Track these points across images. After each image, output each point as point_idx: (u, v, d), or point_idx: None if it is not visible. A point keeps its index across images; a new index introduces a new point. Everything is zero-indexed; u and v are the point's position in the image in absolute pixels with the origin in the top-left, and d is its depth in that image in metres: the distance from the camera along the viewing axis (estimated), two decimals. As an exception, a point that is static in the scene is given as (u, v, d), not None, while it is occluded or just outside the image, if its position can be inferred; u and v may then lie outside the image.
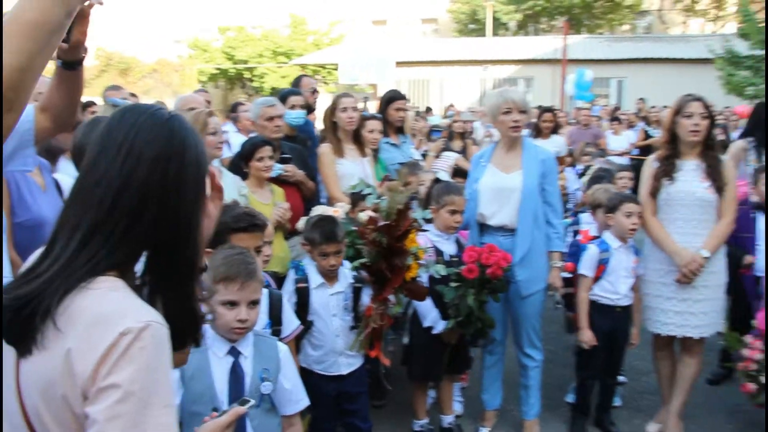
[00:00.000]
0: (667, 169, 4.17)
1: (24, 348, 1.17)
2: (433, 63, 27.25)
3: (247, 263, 2.46)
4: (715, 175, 4.08)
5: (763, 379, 3.97)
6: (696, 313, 4.14)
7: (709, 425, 4.56)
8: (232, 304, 2.44)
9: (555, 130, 8.70)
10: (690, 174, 4.13)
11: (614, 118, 13.22)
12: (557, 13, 34.29)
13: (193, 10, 36.72)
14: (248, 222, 2.88)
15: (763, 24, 17.48)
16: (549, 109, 8.88)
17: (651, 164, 4.30)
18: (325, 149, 4.92)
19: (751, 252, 4.90)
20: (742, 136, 6.04)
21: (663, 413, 4.38)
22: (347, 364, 3.59)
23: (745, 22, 18.30)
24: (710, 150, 4.16)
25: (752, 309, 4.68)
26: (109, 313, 1.15)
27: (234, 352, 2.48)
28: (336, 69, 21.57)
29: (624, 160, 11.87)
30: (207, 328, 2.47)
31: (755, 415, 4.51)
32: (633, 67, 24.97)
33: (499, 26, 34.21)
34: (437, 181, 4.39)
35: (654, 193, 4.21)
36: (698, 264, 4.03)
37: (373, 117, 5.29)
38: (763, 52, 17.21)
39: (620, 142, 12.52)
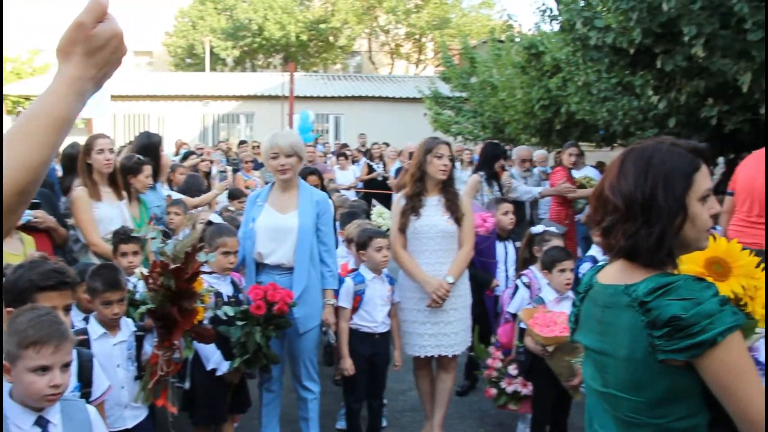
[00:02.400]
0: (415, 206, 4.61)
1: None
2: (152, 97, 26.45)
3: (57, 324, 2.32)
4: (453, 208, 4.60)
5: (503, 384, 4.56)
6: (448, 333, 4.61)
7: (463, 431, 5.07)
8: (44, 369, 2.28)
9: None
10: (433, 209, 4.60)
11: (340, 154, 13.96)
12: (274, 50, 35.24)
13: None
14: (57, 280, 2.70)
15: (461, 69, 19.61)
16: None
17: (399, 202, 4.71)
18: (80, 193, 4.69)
19: (495, 276, 5.57)
20: (476, 171, 6.83)
21: (427, 427, 4.78)
22: (133, 416, 3.47)
23: (446, 66, 20.37)
24: (450, 186, 4.68)
25: (492, 325, 5.33)
26: None
27: (42, 422, 2.32)
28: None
29: (351, 194, 12.61)
30: (6, 399, 2.29)
31: (501, 418, 5.13)
32: (349, 105, 26.48)
33: (216, 61, 34.22)
34: (209, 223, 4.41)
35: (403, 228, 4.62)
36: (445, 290, 4.50)
37: (148, 162, 5.20)
38: (462, 94, 19.32)
39: (347, 176, 13.25)
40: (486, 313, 5.41)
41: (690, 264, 1.88)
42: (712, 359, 1.61)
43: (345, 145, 16.90)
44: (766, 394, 1.60)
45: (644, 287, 1.70)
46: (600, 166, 11.68)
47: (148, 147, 5.90)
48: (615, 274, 1.83)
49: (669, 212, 1.72)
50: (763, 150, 5.36)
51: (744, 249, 1.89)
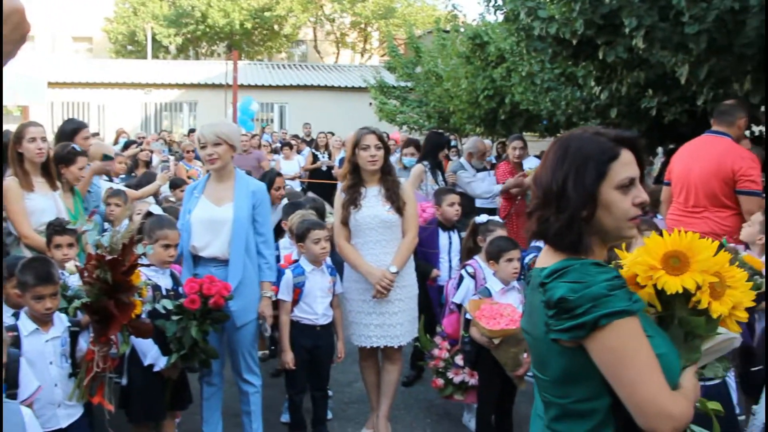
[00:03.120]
0: (353, 198, 4.56)
1: None
2: (92, 85, 25.77)
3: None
4: (394, 197, 4.56)
5: (450, 375, 4.56)
6: (394, 324, 4.58)
7: (410, 422, 5.06)
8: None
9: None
10: (373, 199, 4.56)
11: (285, 144, 13.82)
12: (217, 38, 34.68)
13: None
14: None
15: (407, 59, 19.60)
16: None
17: (339, 195, 4.67)
18: (10, 183, 4.51)
19: (437, 266, 5.56)
20: (420, 160, 6.80)
21: (373, 418, 4.75)
22: (67, 415, 3.35)
23: (392, 56, 20.34)
24: (388, 175, 4.64)
25: (437, 315, 5.33)
26: None
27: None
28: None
29: (296, 184, 12.50)
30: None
31: (448, 408, 5.14)
32: (294, 94, 26.25)
33: (159, 49, 33.52)
34: (149, 214, 4.28)
35: (345, 221, 4.58)
36: (389, 280, 4.46)
37: (84, 153, 5.02)
38: (407, 84, 19.32)
39: (292, 166, 13.13)
40: (430, 303, 5.40)
41: (647, 256, 1.84)
42: (597, 342, 1.65)
43: (295, 136, 16.76)
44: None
45: (549, 269, 1.76)
46: (543, 156, 11.80)
47: (63, 134, 5.70)
48: (542, 258, 1.89)
49: (577, 201, 1.76)
50: (697, 140, 5.45)
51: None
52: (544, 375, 1.83)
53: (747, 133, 7.30)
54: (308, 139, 16.43)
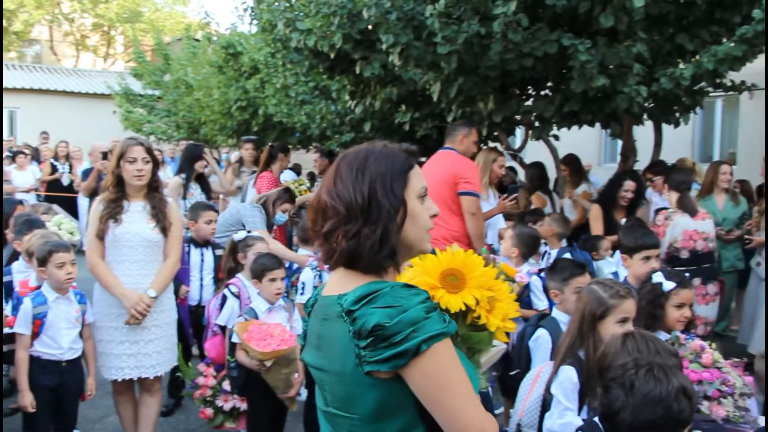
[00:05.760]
0: (114, 212, 4.15)
1: None
2: None
3: None
4: (160, 216, 4.22)
5: (219, 402, 4.31)
6: (150, 353, 4.20)
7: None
8: None
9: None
10: (136, 215, 4.18)
11: (19, 152, 12.47)
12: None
13: None
14: None
15: (154, 66, 18.77)
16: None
17: (98, 206, 4.23)
18: None
19: (186, 283, 5.24)
20: (178, 172, 6.45)
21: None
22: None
23: (138, 62, 19.34)
24: (155, 192, 4.29)
25: (188, 337, 5.02)
26: None
27: None
28: None
29: (31, 197, 11.37)
30: None
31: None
32: (27, 98, 23.95)
33: None
34: None
35: (101, 235, 4.14)
36: (146, 304, 4.10)
37: None
38: (155, 92, 18.50)
39: (26, 177, 11.95)
40: (180, 323, 5.05)
41: (425, 276, 1.82)
42: (418, 369, 1.56)
43: (28, 145, 15.19)
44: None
45: (353, 295, 1.61)
46: (296, 168, 11.88)
47: None
48: (334, 284, 1.73)
49: (390, 208, 1.68)
50: (434, 155, 5.71)
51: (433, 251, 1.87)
52: (351, 413, 1.67)
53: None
54: (45, 148, 15.01)
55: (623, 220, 5.77)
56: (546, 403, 3.03)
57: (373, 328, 1.55)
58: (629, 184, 6.18)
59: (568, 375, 2.93)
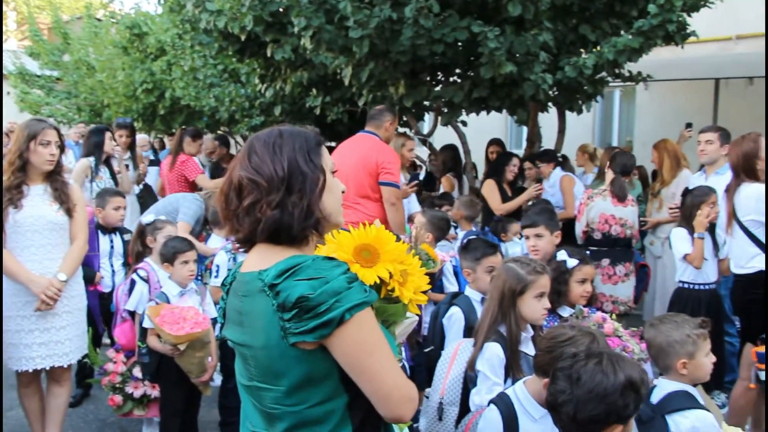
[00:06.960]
0: (13, 198, 3.99)
1: None
2: None
3: None
4: (63, 198, 4.09)
5: (129, 389, 4.23)
6: (62, 340, 4.05)
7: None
8: None
9: None
10: (38, 198, 4.02)
11: None
12: None
13: None
14: None
15: (52, 46, 17.98)
16: None
17: None
18: None
19: (96, 270, 5.10)
20: (85, 155, 6.25)
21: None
22: None
23: (34, 41, 18.47)
24: (57, 174, 4.15)
25: (98, 324, 4.90)
26: None
27: None
28: None
29: None
30: None
31: (123, 425, 4.77)
32: None
33: None
34: None
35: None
36: (56, 288, 3.98)
37: None
38: (54, 73, 17.73)
39: None
40: (90, 311, 4.92)
41: (340, 251, 1.88)
42: (342, 338, 1.62)
43: None
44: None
45: (275, 270, 1.65)
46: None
47: None
48: (253, 261, 1.77)
49: (312, 176, 1.75)
50: (352, 138, 5.74)
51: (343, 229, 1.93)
52: (276, 385, 1.71)
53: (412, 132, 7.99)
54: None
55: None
56: (468, 380, 3.12)
57: (297, 300, 1.59)
58: (515, 161, 6.93)
59: (495, 351, 3.01)
